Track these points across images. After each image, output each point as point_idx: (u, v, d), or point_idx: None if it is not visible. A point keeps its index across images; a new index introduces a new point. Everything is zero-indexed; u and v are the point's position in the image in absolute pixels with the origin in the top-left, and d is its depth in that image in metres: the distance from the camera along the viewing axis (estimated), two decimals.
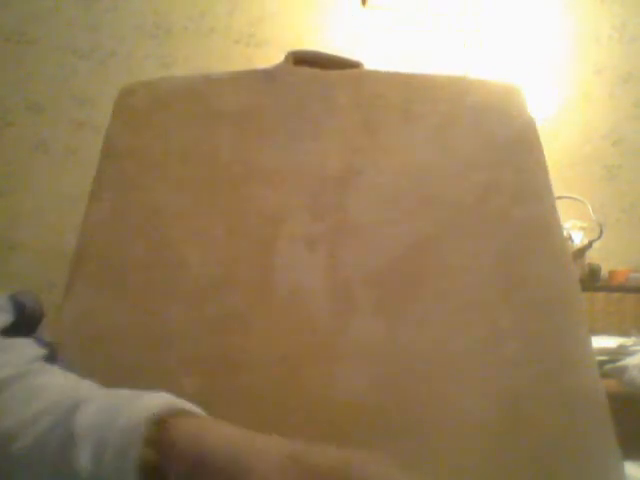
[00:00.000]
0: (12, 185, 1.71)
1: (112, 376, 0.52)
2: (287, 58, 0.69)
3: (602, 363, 1.17)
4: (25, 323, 0.49)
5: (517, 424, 0.52)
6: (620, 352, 1.25)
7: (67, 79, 1.76)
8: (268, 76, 0.67)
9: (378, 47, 1.78)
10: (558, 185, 0.65)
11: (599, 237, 1.57)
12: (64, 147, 1.73)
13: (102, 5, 1.79)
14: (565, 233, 1.53)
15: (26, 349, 0.44)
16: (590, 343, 0.56)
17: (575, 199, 1.57)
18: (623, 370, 1.16)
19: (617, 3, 1.86)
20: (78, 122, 1.73)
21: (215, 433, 0.34)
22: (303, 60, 0.69)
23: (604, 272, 1.64)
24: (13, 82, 1.75)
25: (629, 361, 1.18)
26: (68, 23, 1.78)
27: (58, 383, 0.40)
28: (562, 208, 0.64)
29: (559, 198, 0.66)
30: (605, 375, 1.14)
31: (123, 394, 0.38)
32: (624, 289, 1.60)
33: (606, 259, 1.65)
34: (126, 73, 1.75)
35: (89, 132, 1.70)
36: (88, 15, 1.79)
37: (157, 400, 0.36)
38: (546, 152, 0.65)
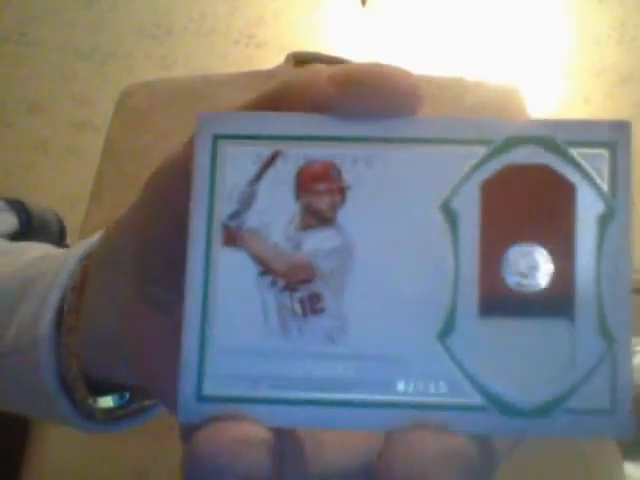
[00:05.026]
0: (12, 185, 1.71)
1: None
2: (288, 59, 0.69)
3: None
4: (35, 231, 0.43)
5: None
6: None
7: (67, 79, 1.76)
8: (269, 77, 0.67)
9: (378, 48, 1.78)
10: None
11: None
12: (64, 147, 1.73)
13: (102, 5, 1.79)
14: None
15: None
16: None
17: None
18: None
19: (616, 3, 1.86)
20: (78, 122, 1.73)
21: None
22: (304, 61, 0.69)
23: None
24: (13, 82, 1.75)
25: None
26: (68, 23, 1.78)
27: None
28: None
29: None
30: None
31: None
32: None
33: None
34: (126, 73, 1.75)
35: (89, 132, 1.70)
36: (88, 15, 1.79)
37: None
38: None
